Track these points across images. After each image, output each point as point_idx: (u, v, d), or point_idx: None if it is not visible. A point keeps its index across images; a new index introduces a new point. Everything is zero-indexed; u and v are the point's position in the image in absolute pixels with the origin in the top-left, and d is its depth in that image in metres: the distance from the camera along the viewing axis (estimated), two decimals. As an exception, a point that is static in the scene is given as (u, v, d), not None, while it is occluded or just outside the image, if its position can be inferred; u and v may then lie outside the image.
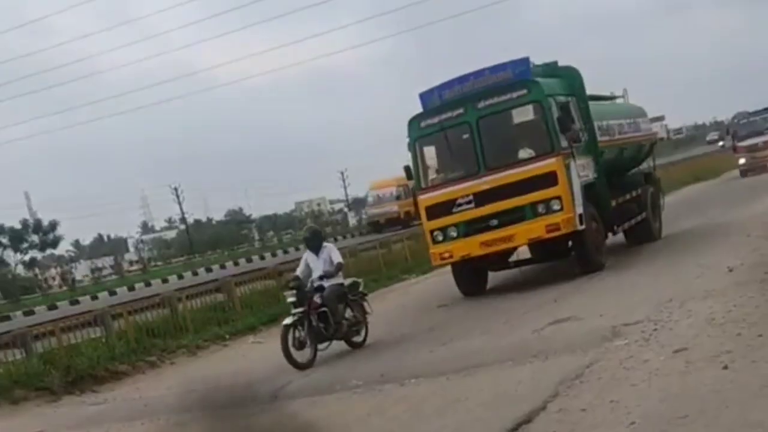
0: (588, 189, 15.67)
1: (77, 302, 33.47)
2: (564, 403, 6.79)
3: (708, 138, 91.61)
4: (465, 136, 15.41)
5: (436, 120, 15.53)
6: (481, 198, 15.14)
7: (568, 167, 14.94)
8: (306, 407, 8.64)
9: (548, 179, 14.79)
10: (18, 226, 76.95)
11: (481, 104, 15.23)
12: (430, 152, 15.95)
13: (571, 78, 16.21)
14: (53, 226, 77.79)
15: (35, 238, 77.51)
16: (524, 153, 15.19)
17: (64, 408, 11.84)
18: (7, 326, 20.75)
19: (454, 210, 15.31)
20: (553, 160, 14.83)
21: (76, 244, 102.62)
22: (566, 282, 14.35)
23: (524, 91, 15.00)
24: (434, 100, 15.88)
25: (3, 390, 12.27)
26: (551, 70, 16.25)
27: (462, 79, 15.71)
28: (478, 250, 15.24)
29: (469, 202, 15.23)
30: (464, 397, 7.72)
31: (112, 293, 36.03)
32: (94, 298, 34.40)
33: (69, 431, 10.24)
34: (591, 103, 16.92)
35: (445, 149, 15.72)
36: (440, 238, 15.54)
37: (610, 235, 16.91)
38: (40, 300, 44.80)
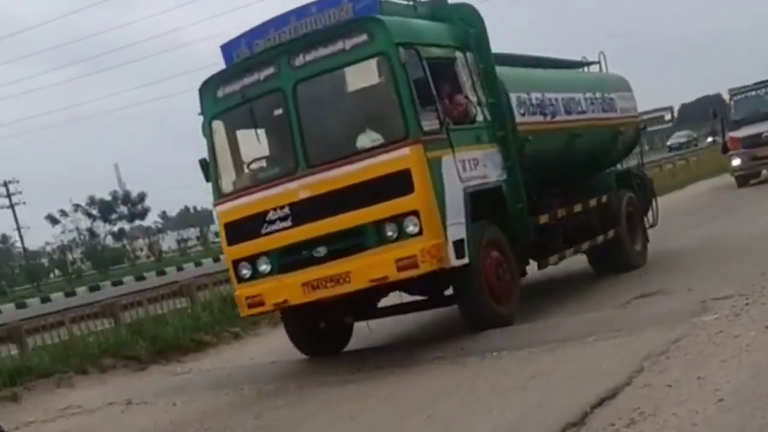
0: (487, 198, 9.77)
1: (164, 273, 36.24)
2: (649, 379, 6.60)
3: (671, 142, 67.15)
4: (278, 112, 9.56)
5: (237, 87, 9.76)
6: (301, 212, 9.41)
7: (434, 163, 9.10)
8: (388, 379, 8.67)
9: (399, 183, 8.97)
10: (108, 198, 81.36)
11: (299, 60, 9.43)
12: (233, 138, 10.12)
13: (464, 23, 10.26)
14: (142, 197, 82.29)
15: (124, 209, 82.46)
16: (365, 139, 9.36)
17: (150, 377, 12.01)
18: (97, 296, 22.42)
19: (264, 230, 9.56)
20: (405, 151, 8.97)
21: (163, 215, 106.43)
22: (653, 254, 13.55)
23: (363, 37, 9.15)
24: (242, 55, 10.06)
25: (92, 358, 12.44)
26: (432, 10, 10.30)
27: (280, 21, 9.89)
28: (299, 295, 9.50)
29: (283, 219, 9.50)
30: (546, 371, 7.62)
31: (198, 264, 37.83)
32: (180, 269, 36.60)
33: (155, 399, 10.31)
34: (509, 68, 10.99)
35: (250, 133, 9.87)
36: (247, 273, 9.77)
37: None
38: (128, 270, 48.26)
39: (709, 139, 40.18)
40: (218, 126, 10.05)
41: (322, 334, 10.72)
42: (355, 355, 10.34)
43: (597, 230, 12.51)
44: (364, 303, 10.29)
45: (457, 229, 9.21)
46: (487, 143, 10.13)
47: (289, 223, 9.46)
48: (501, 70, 10.84)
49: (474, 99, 10.04)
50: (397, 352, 9.96)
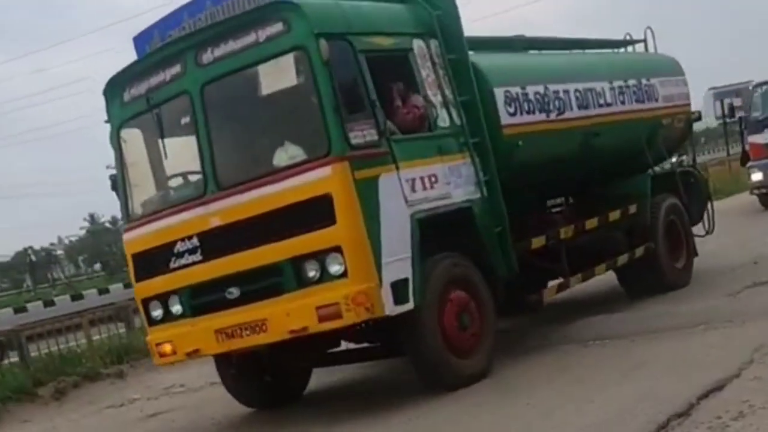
0: (450, 224, 7.80)
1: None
2: (760, 371, 6.33)
3: None
4: (185, 121, 7.76)
5: (143, 89, 7.97)
6: (211, 244, 7.65)
7: (366, 185, 7.16)
8: (493, 367, 8.12)
9: (318, 212, 7.10)
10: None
11: (207, 56, 7.60)
12: (143, 150, 8.36)
13: (427, 3, 8.22)
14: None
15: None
16: (283, 156, 7.44)
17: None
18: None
19: (173, 264, 7.78)
20: (325, 172, 7.04)
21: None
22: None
23: (278, 27, 7.25)
24: (154, 47, 8.29)
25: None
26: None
27: (194, 7, 8.10)
28: (212, 345, 7.77)
29: (193, 251, 7.74)
30: (650, 361, 7.36)
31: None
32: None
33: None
34: (495, 56, 8.97)
35: (158, 146, 8.09)
36: (158, 315, 8.07)
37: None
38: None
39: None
40: (127, 136, 8.31)
41: (268, 384, 8.93)
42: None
43: (621, 248, 10.33)
44: (310, 349, 8.43)
45: (398, 268, 7.27)
46: (455, 153, 8.12)
47: (199, 256, 7.69)
48: (483, 60, 8.81)
49: (437, 99, 8.03)
50: (499, 339, 9.11)
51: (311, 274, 7.20)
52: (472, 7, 30.42)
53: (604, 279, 11.09)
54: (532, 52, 10.48)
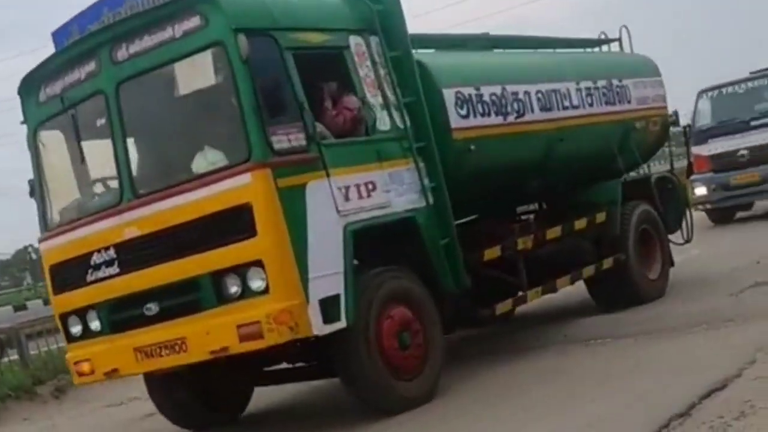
0: (391, 235, 7.21)
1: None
2: (762, 371, 6.29)
3: None
4: (101, 122, 7.17)
5: (59, 88, 7.37)
6: (128, 256, 7.07)
7: (291, 194, 6.58)
8: (490, 366, 8.29)
9: (238, 222, 6.54)
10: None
11: (122, 53, 7.02)
12: (61, 154, 7.76)
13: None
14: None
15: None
16: (202, 161, 6.82)
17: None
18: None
19: (91, 277, 7.18)
20: (245, 179, 6.44)
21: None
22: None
23: (195, 21, 6.67)
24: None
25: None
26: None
27: (113, 0, 7.41)
28: (132, 364, 7.20)
29: (110, 263, 7.15)
30: (652, 361, 7.33)
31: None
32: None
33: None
34: (446, 54, 8.39)
35: (76, 149, 7.50)
36: (77, 331, 7.51)
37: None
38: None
39: None
40: (44, 138, 7.73)
41: (204, 399, 8.32)
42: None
43: (588, 259, 9.71)
44: (245, 367, 7.85)
45: (328, 283, 6.68)
46: (397, 159, 7.53)
47: (116, 269, 7.11)
48: (432, 59, 8.24)
49: (377, 100, 7.43)
50: (500, 338, 9.63)
51: (233, 289, 6.62)
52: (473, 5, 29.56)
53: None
54: (496, 51, 9.86)
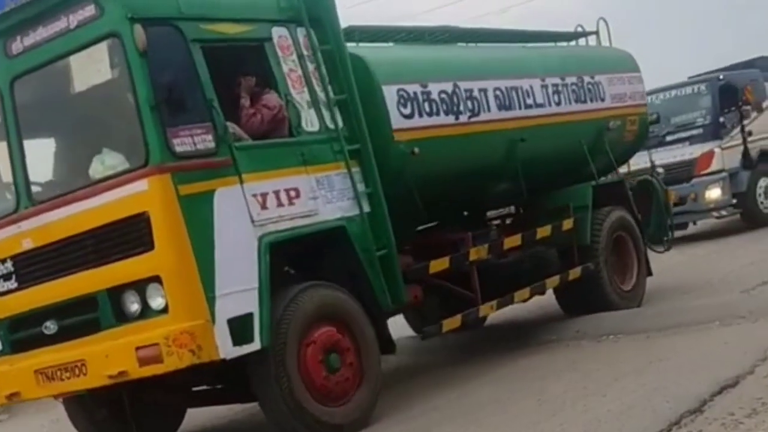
0: (318, 246, 6.58)
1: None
2: None
3: None
4: (-3, 122, 6.56)
5: None
6: (26, 269, 6.44)
7: (195, 202, 5.95)
8: (500, 361, 8.22)
9: (134, 234, 5.89)
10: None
11: (17, 45, 6.36)
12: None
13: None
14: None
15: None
16: (99, 166, 6.17)
17: None
18: None
19: None
20: (141, 186, 5.77)
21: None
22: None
23: (90, 10, 6.02)
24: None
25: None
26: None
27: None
28: (33, 388, 6.60)
29: (8, 277, 6.52)
30: (665, 357, 7.21)
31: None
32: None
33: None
34: (388, 48, 7.75)
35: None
36: (-22, 350, 6.85)
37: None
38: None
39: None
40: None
41: (132, 420, 7.65)
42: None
43: (553, 269, 9.02)
44: (169, 387, 7.19)
45: (239, 301, 6.03)
46: (326, 162, 6.86)
47: (14, 283, 6.50)
48: (372, 53, 7.60)
49: (303, 98, 6.77)
50: (510, 335, 9.45)
51: (133, 308, 5.99)
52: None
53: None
54: (453, 45, 9.17)
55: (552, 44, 10.44)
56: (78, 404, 7.44)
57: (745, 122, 14.79)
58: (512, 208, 10.54)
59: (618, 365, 7.28)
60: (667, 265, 11.46)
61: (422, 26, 9.01)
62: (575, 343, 8.47)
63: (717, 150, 14.84)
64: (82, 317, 6.16)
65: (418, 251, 8.03)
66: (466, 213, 9.52)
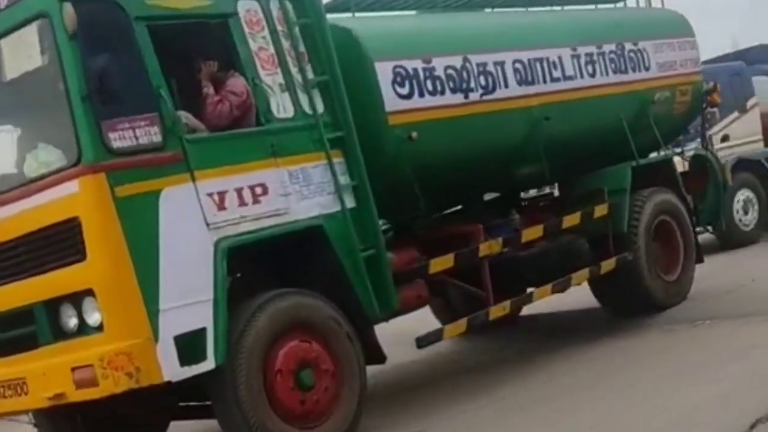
0: (289, 250, 5.96)
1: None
2: None
3: None
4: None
5: None
6: None
7: (137, 204, 5.25)
8: (586, 345, 7.97)
9: (66, 241, 5.17)
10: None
11: (-53, 28, 5.65)
12: None
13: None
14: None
15: None
16: (33, 162, 5.49)
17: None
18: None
19: None
20: (72, 187, 5.04)
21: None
22: None
23: None
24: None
25: None
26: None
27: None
28: None
29: None
30: (763, 342, 6.87)
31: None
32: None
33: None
34: (381, 19, 6.96)
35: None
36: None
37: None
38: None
39: None
40: None
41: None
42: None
43: (581, 261, 8.11)
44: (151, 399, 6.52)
45: (189, 315, 5.34)
46: (302, 153, 6.07)
47: None
48: (363, 25, 6.79)
49: (275, 80, 5.98)
50: (602, 319, 9.03)
51: (70, 323, 5.36)
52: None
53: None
54: (459, 14, 8.20)
55: (591, 7, 9.38)
56: (46, 417, 6.84)
57: (716, 128, 12.18)
58: (550, 189, 9.64)
59: (714, 350, 7.06)
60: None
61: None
62: (668, 328, 8.15)
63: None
64: (21, 331, 5.55)
65: (425, 245, 7.24)
66: (489, 197, 8.65)
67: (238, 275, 5.88)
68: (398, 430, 6.38)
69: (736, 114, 10.30)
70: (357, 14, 7.13)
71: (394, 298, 6.36)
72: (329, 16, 6.92)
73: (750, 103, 12.81)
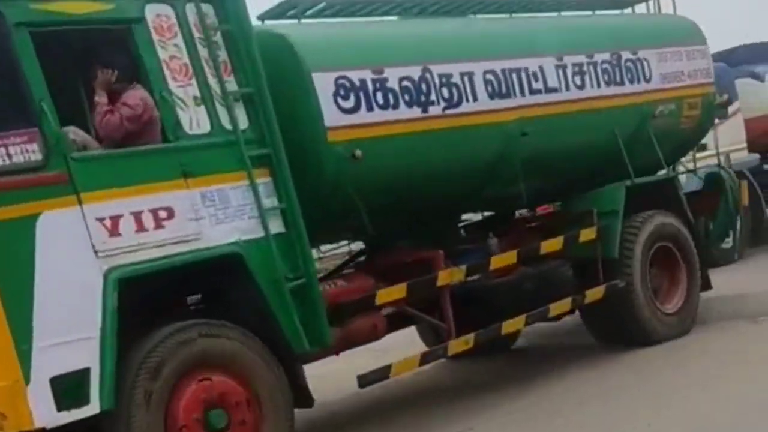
0: (205, 276, 5.36)
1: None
2: None
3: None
4: None
5: None
6: None
7: (10, 231, 4.64)
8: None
9: None
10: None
11: None
12: None
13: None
14: None
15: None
16: None
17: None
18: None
19: None
20: None
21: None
22: None
23: None
24: None
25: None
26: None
27: None
28: None
29: None
30: None
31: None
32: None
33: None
34: (328, 25, 6.40)
35: None
36: None
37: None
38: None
39: None
40: None
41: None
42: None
43: (564, 290, 7.40)
44: None
45: (69, 353, 4.79)
46: (219, 172, 5.48)
47: None
48: (300, 31, 6.25)
49: (187, 92, 5.41)
50: None
51: None
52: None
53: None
54: (443, 18, 7.57)
55: (589, 13, 8.66)
56: None
57: None
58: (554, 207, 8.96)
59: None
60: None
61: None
62: (730, 324, 8.12)
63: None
64: None
65: (386, 272, 6.64)
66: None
67: (139, 307, 5.29)
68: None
69: (716, 121, 9.26)
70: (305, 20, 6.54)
71: (326, 333, 5.74)
72: (272, 22, 6.40)
73: (732, 108, 11.54)
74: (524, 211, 8.96)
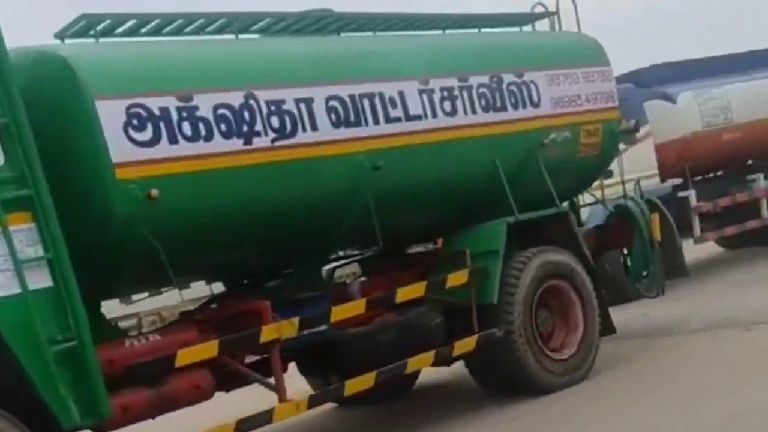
0: None
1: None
2: None
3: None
4: None
5: None
6: None
7: None
8: (640, 348, 8.18)
9: None
10: None
11: None
12: None
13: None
14: None
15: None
16: None
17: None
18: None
19: None
20: None
21: None
22: None
23: None
24: None
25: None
26: None
27: None
28: None
29: None
30: None
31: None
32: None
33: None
34: (126, 45, 5.72)
35: None
36: None
37: None
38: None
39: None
40: None
41: None
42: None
43: (430, 341, 6.59)
44: None
45: None
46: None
47: None
48: (85, 52, 5.50)
49: None
50: (654, 321, 9.22)
51: None
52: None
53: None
54: (276, 37, 6.77)
55: (474, 31, 7.89)
56: None
57: None
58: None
59: (759, 357, 6.99)
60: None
61: (250, 13, 6.60)
62: (721, 333, 8.11)
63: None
64: None
65: (212, 326, 5.84)
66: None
67: None
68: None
69: (622, 147, 8.32)
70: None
71: (103, 403, 4.92)
72: (69, 41, 5.64)
73: (642, 132, 10.46)
74: (424, 247, 8.21)
